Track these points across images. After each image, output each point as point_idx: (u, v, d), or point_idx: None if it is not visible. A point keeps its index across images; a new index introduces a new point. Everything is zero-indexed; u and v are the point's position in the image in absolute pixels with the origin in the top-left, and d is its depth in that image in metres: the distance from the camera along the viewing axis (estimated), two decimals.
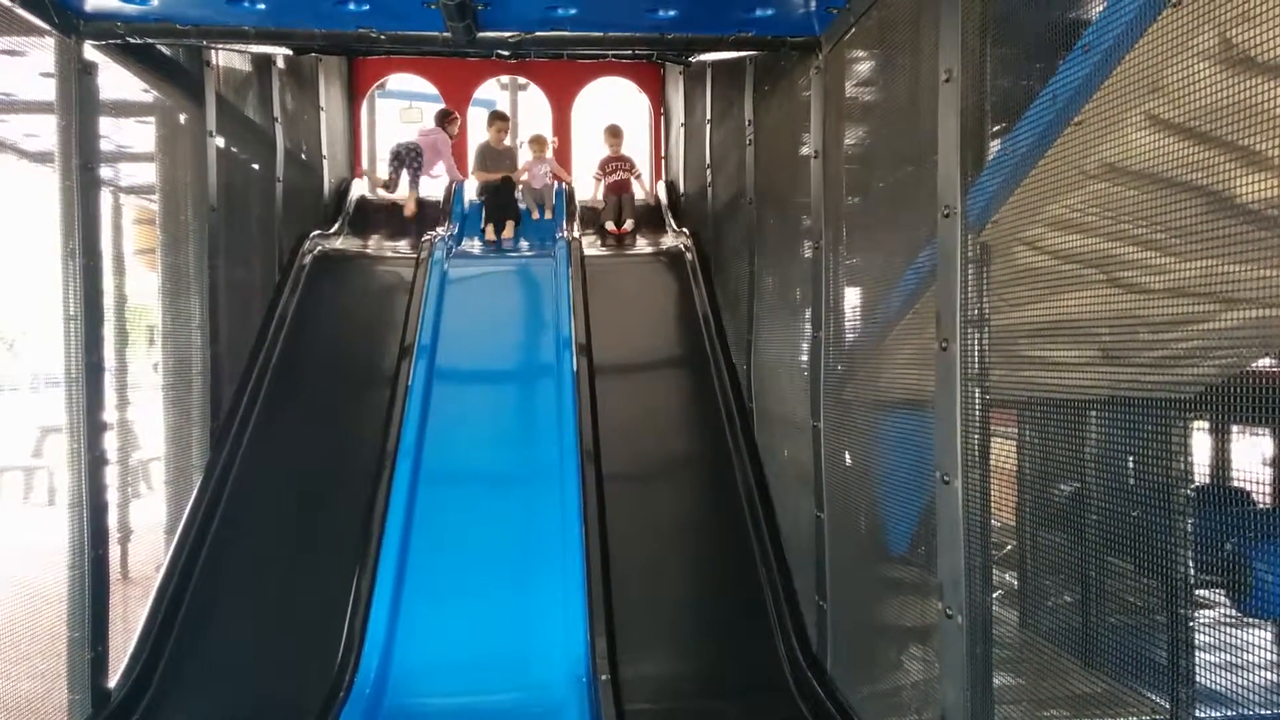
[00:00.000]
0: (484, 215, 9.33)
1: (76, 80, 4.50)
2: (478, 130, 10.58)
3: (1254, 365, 3.18)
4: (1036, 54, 2.97)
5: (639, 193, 10.04)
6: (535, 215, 9.65)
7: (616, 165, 9.84)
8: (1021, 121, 2.88)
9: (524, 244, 9.10)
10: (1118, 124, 2.42)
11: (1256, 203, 2.10)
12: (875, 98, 4.58)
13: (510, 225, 9.28)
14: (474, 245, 9.04)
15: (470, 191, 9.86)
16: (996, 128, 3.14)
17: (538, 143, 10.01)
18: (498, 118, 10.10)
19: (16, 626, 4.66)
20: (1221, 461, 4.27)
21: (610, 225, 9.46)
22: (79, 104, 4.51)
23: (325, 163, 9.38)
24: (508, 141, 10.07)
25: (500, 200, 9.37)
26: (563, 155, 10.99)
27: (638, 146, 11.40)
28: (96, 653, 4.52)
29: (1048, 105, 2.69)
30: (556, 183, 9.93)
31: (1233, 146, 2.10)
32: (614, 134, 10.03)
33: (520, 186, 9.65)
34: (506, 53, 6.14)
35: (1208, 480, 4.12)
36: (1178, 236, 2.33)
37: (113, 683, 4.68)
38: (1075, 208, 2.72)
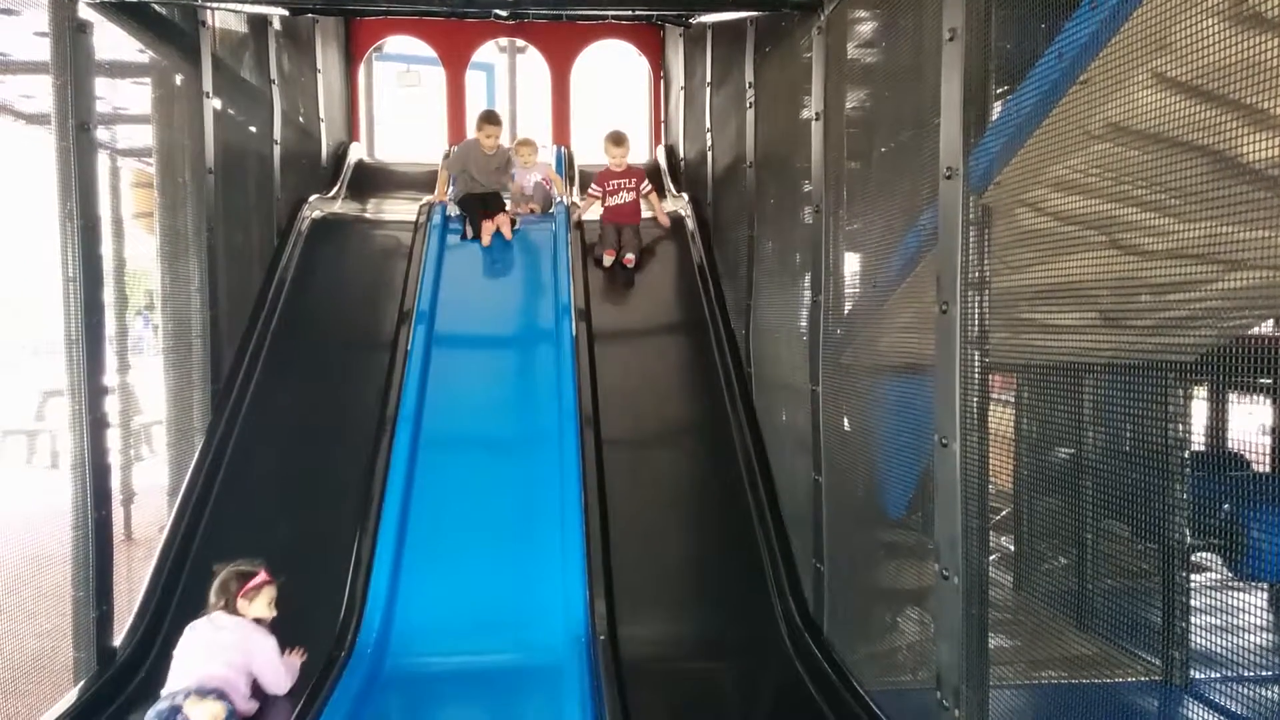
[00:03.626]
0: (465, 220, 7.78)
1: (71, 39, 4.45)
2: (475, 114, 9.22)
3: (1255, 330, 3.19)
4: (1042, 11, 2.94)
5: (647, 210, 8.06)
6: (534, 211, 8.24)
7: (620, 184, 7.89)
8: (1026, 81, 2.86)
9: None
10: (1124, 83, 2.40)
11: (1262, 163, 2.09)
12: (878, 58, 4.55)
13: (505, 220, 7.72)
14: None
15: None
16: (1000, 88, 3.12)
17: (527, 146, 8.51)
18: (489, 120, 8.05)
19: (23, 586, 4.70)
20: (1219, 426, 4.29)
21: (607, 257, 7.65)
22: (74, 63, 4.46)
23: (323, 126, 9.31)
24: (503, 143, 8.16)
25: (484, 204, 7.78)
26: (561, 122, 10.92)
27: (637, 116, 11.23)
28: (101, 612, 4.55)
29: (1053, 64, 2.67)
30: (549, 185, 8.54)
31: (1240, 105, 2.09)
32: (617, 142, 7.97)
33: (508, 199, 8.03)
34: (505, 14, 6.09)
35: (1205, 445, 4.14)
36: (1181, 198, 2.32)
37: (117, 641, 4.72)
38: (1078, 169, 2.71)
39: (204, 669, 4.03)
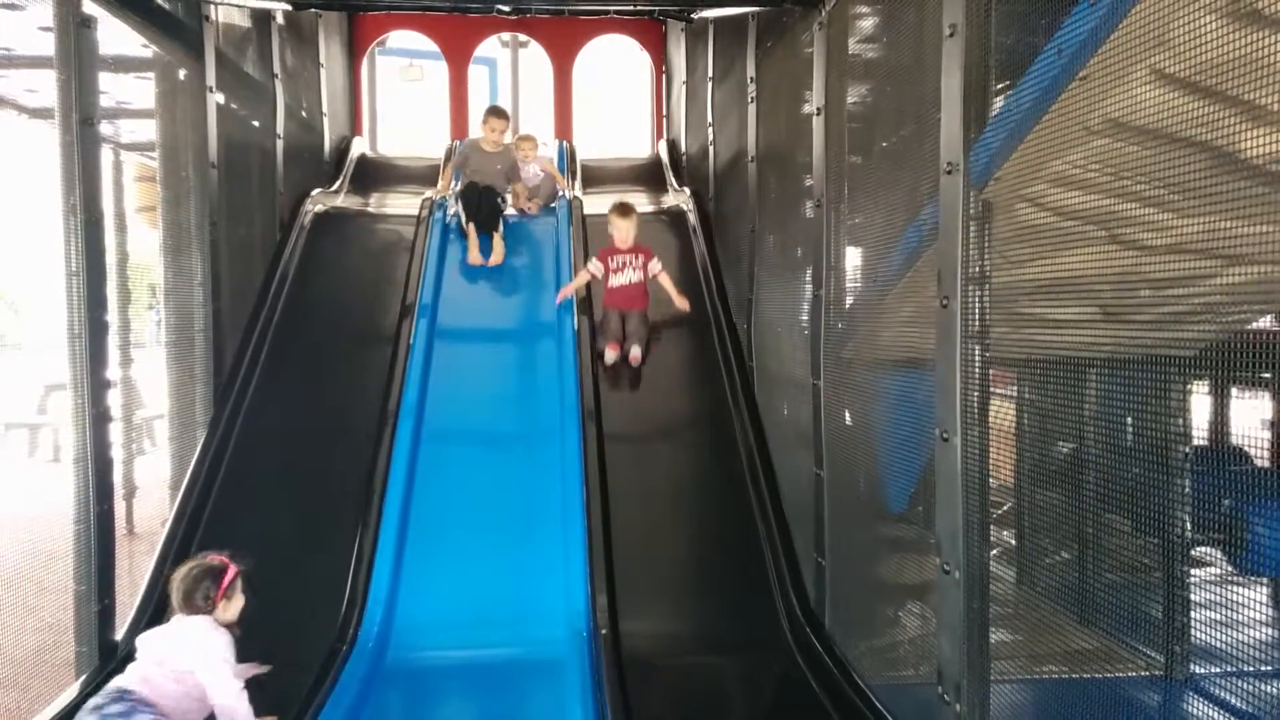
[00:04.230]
0: (464, 216, 7.53)
1: (75, 34, 4.46)
2: (479, 110, 9.24)
3: (1255, 324, 3.19)
4: (1042, 7, 2.94)
5: (663, 283, 6.85)
6: (534, 210, 8.18)
7: (625, 262, 6.77)
8: (1026, 76, 2.86)
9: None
10: (1123, 79, 2.40)
11: (1261, 158, 2.09)
12: (878, 53, 4.54)
13: (499, 244, 7.47)
14: None
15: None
16: (1000, 84, 3.12)
17: (528, 141, 8.45)
18: (494, 114, 7.93)
19: (25, 581, 4.71)
20: (1220, 420, 4.29)
21: (610, 352, 6.58)
22: (78, 58, 4.47)
23: (326, 120, 9.32)
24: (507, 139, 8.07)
25: (484, 204, 7.55)
26: (563, 116, 10.92)
27: (639, 110, 11.22)
28: (103, 606, 4.56)
29: (1052, 60, 2.67)
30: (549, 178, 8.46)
31: (1238, 101, 2.09)
32: (624, 213, 6.84)
33: (507, 198, 7.84)
34: (507, 8, 6.09)
35: (1206, 439, 4.14)
36: (1181, 193, 2.32)
37: (119, 635, 4.73)
38: (1078, 164, 2.71)
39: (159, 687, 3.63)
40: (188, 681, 3.66)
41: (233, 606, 3.85)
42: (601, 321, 6.76)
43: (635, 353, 6.58)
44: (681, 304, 6.78)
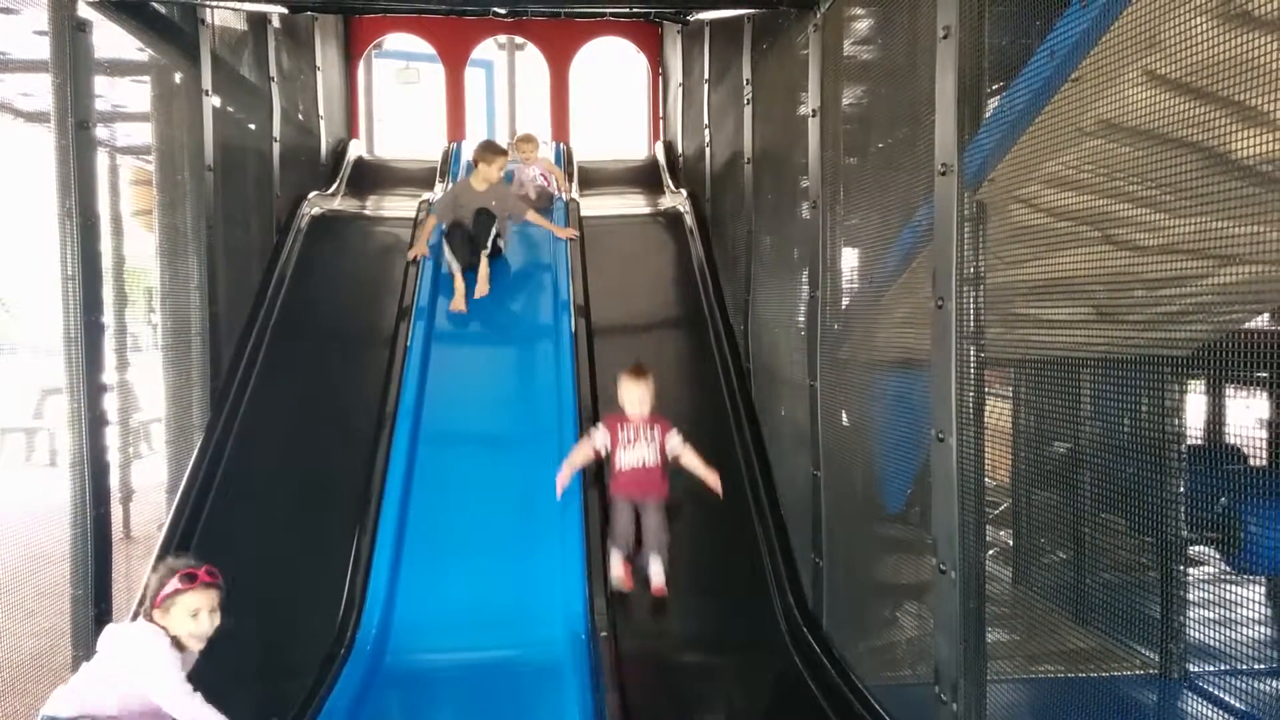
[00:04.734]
0: (449, 261, 7.00)
1: (71, 38, 4.46)
2: (476, 112, 9.54)
3: (1248, 324, 3.20)
4: (1034, 9, 2.95)
5: (688, 464, 5.21)
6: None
7: (638, 433, 5.17)
8: (1019, 78, 2.88)
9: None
10: (1115, 80, 2.41)
11: (1252, 159, 2.10)
12: (873, 55, 4.56)
13: (483, 277, 6.96)
14: None
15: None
16: (994, 85, 3.13)
17: (529, 143, 8.22)
18: (490, 150, 7.17)
19: (22, 585, 4.70)
20: (1215, 419, 4.30)
21: (619, 573, 5.12)
22: (74, 62, 4.47)
23: (322, 123, 9.33)
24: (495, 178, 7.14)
25: (472, 233, 6.95)
26: (560, 119, 10.93)
27: (635, 110, 11.21)
28: (99, 610, 4.55)
29: (1045, 61, 2.68)
30: (548, 181, 8.31)
31: (1229, 102, 2.10)
32: (637, 375, 5.25)
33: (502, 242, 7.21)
34: (503, 11, 6.09)
35: (1201, 438, 4.16)
36: (1173, 194, 2.33)
37: None
38: (1072, 165, 2.72)
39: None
40: (125, 690, 3.36)
41: (173, 619, 3.43)
42: (611, 521, 5.23)
43: (657, 575, 5.08)
44: (714, 483, 5.16)
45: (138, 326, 7.81)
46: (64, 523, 4.52)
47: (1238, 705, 2.97)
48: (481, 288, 6.97)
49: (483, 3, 5.47)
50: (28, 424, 12.22)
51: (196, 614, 3.45)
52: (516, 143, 8.37)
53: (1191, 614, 3.90)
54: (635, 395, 5.19)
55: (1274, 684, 2.56)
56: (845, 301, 4.69)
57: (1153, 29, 2.23)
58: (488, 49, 12.33)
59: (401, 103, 14.39)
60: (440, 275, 7.21)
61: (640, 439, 5.15)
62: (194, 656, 3.54)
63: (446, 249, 7.06)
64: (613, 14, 8.88)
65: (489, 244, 7.00)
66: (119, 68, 5.81)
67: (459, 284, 6.93)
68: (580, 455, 5.28)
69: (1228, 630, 2.65)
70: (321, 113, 9.31)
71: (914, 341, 3.62)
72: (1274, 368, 2.38)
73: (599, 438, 5.21)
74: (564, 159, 9.91)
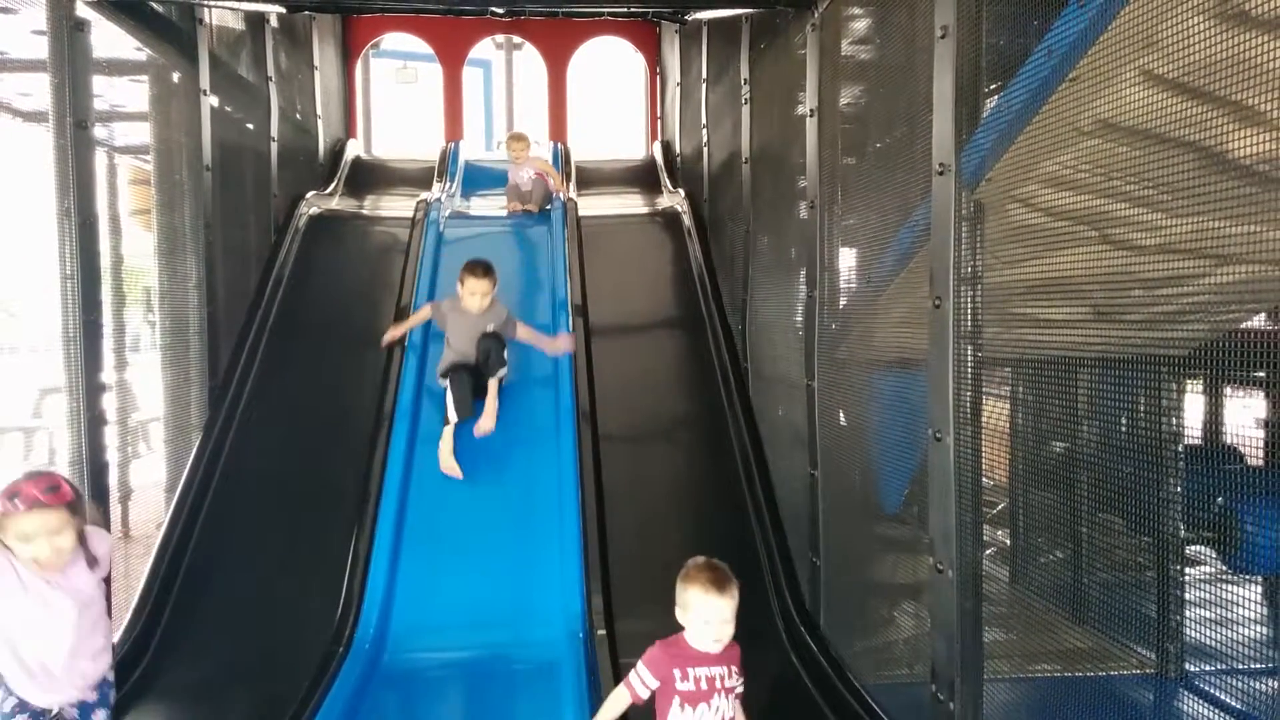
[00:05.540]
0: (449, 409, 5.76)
1: (69, 37, 4.47)
2: (474, 112, 9.45)
3: (1245, 324, 3.20)
4: (1032, 9, 2.95)
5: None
6: (534, 210, 8.07)
7: (719, 677, 3.51)
8: (1016, 78, 2.88)
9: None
10: (1112, 80, 2.42)
11: (1249, 159, 2.10)
12: (871, 55, 4.56)
13: (491, 411, 5.75)
14: (469, 206, 8.98)
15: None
16: (991, 85, 3.13)
17: (519, 141, 8.14)
18: (473, 272, 5.90)
19: None
20: (1213, 419, 4.31)
21: None
22: (72, 61, 4.48)
23: (320, 123, 9.32)
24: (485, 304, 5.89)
25: (479, 362, 5.82)
26: (558, 119, 10.92)
27: (633, 110, 11.21)
28: None
29: (1043, 61, 2.69)
30: (545, 180, 8.21)
31: (1226, 102, 2.11)
32: (720, 586, 3.62)
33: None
34: (501, 10, 6.10)
35: (1199, 438, 4.16)
36: (1171, 194, 2.34)
37: (115, 638, 4.72)
38: (1069, 165, 2.73)
39: None
40: None
41: (11, 543, 3.08)
42: None
43: None
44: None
45: (136, 326, 7.81)
46: None
47: (1235, 705, 2.97)
48: (486, 423, 5.73)
49: (481, 2, 5.48)
50: (26, 423, 12.21)
51: (30, 538, 3.05)
52: (506, 141, 8.31)
53: (1189, 613, 3.91)
54: (716, 610, 3.59)
55: (1271, 683, 2.56)
56: (843, 301, 4.70)
57: (1150, 28, 2.23)
58: (486, 49, 12.33)
59: (399, 102, 14.39)
60: (440, 243, 7.22)
61: (720, 687, 3.48)
62: (88, 580, 3.23)
63: (448, 392, 5.81)
64: (610, 14, 8.90)
65: (501, 369, 5.94)
66: (117, 67, 5.80)
67: (447, 441, 5.68)
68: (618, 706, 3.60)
69: (1225, 630, 2.66)
70: (319, 112, 9.30)
71: (911, 341, 3.62)
72: (1271, 367, 2.38)
73: (646, 674, 3.60)
74: (562, 159, 9.91)
